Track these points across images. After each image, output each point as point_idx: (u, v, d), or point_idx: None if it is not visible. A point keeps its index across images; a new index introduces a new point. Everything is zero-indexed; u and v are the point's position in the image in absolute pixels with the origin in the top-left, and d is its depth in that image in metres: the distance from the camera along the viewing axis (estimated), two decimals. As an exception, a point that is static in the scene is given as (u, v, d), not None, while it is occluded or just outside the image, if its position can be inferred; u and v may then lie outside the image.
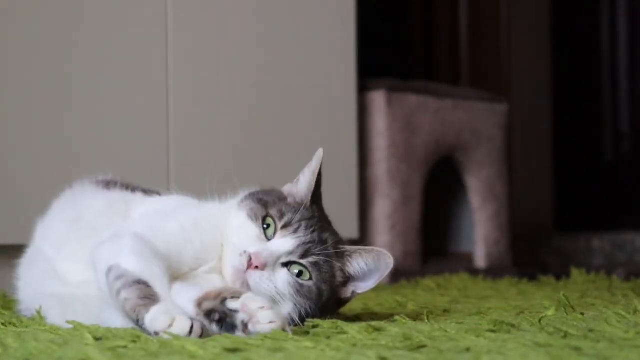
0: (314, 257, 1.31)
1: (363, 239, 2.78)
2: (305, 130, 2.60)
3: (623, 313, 1.46)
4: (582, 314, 1.51)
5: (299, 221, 1.34)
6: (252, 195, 1.39)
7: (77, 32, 2.20)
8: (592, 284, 2.45)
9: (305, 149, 2.62)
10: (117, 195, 1.49)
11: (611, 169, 3.97)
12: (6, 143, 2.10)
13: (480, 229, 3.07)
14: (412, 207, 2.84)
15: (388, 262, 1.35)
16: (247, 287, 1.29)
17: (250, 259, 1.29)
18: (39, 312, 1.42)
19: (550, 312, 1.45)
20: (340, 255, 1.35)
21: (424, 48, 3.76)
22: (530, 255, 3.56)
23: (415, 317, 1.50)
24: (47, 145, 2.14)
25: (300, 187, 1.40)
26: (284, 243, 1.31)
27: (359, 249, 1.36)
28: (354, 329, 1.25)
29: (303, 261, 1.31)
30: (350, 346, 1.12)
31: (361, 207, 2.75)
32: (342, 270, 1.35)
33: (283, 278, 1.30)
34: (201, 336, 1.17)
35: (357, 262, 1.36)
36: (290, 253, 1.31)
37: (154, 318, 1.17)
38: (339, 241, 1.37)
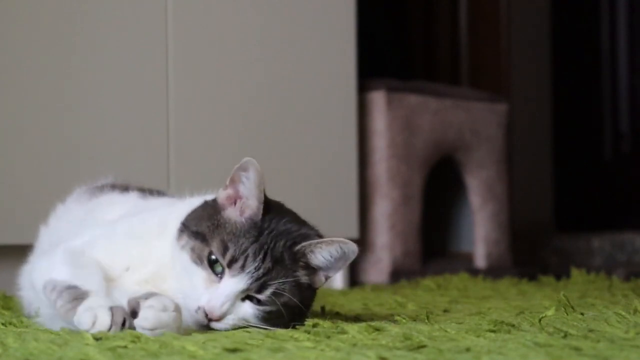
0: (271, 287, 1.27)
1: (363, 239, 2.78)
2: (305, 130, 2.60)
3: (623, 313, 1.46)
4: (582, 314, 1.51)
5: (245, 252, 1.27)
6: (186, 229, 1.31)
7: (77, 33, 2.20)
8: (592, 284, 2.45)
9: (305, 149, 2.63)
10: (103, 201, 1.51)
11: (611, 169, 3.97)
12: (6, 143, 2.10)
13: (480, 229, 3.07)
14: (412, 207, 2.84)
15: (353, 249, 1.31)
16: None
17: (206, 314, 1.26)
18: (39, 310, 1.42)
19: (550, 312, 1.45)
20: (301, 254, 1.30)
21: (424, 48, 3.76)
22: (530, 255, 3.56)
23: (415, 317, 1.50)
24: (47, 145, 2.14)
25: (250, 203, 1.32)
26: (236, 284, 1.26)
27: (320, 242, 1.31)
28: (354, 329, 1.25)
29: (261, 296, 1.27)
30: (350, 346, 1.12)
31: (361, 207, 2.75)
32: (306, 267, 1.31)
33: (248, 312, 1.28)
34: (124, 325, 1.18)
35: (322, 255, 1.30)
36: (246, 290, 1.27)
37: (79, 319, 1.19)
38: (297, 241, 1.31)
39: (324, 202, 2.62)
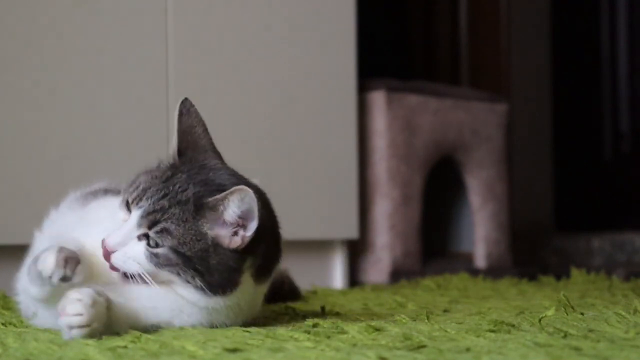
0: (160, 224, 1.26)
1: (363, 239, 2.78)
2: (305, 130, 2.60)
3: (623, 313, 1.46)
4: (582, 314, 1.52)
5: (144, 190, 1.29)
6: None
7: (77, 33, 2.20)
8: (592, 284, 2.46)
9: (304, 149, 2.63)
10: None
11: (611, 169, 3.97)
12: (6, 142, 2.10)
13: (480, 229, 3.07)
14: (412, 207, 2.84)
15: (252, 196, 1.26)
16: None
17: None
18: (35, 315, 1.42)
19: (550, 312, 1.45)
20: (211, 207, 1.28)
21: (424, 48, 3.76)
22: (530, 255, 3.56)
23: (415, 317, 1.50)
24: (47, 144, 2.14)
25: (172, 142, 1.36)
26: (132, 218, 1.28)
27: (227, 194, 1.27)
28: (354, 329, 1.25)
29: (151, 232, 1.27)
30: (350, 346, 1.12)
31: (361, 207, 2.75)
32: (216, 221, 1.28)
33: (136, 249, 1.27)
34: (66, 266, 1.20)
35: (231, 209, 1.27)
36: (140, 226, 1.27)
37: (39, 259, 1.22)
38: (209, 193, 1.29)
39: (324, 202, 2.62)
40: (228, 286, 1.29)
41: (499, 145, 3.13)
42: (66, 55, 2.18)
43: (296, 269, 2.08)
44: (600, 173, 3.99)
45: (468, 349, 1.08)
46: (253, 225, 1.28)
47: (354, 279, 2.77)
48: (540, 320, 1.38)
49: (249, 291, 1.33)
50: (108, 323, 1.21)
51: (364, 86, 2.81)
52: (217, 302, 1.29)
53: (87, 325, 1.17)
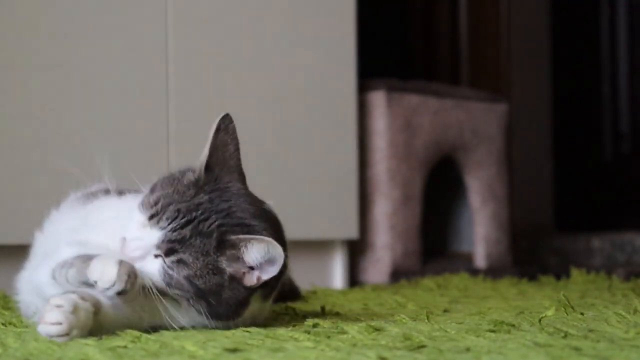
0: (178, 255, 1.25)
1: (363, 239, 2.78)
2: (305, 130, 2.60)
3: (623, 313, 1.46)
4: (582, 314, 1.52)
5: (163, 208, 1.27)
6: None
7: (78, 34, 2.20)
8: (592, 284, 2.46)
9: (305, 149, 2.63)
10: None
11: (611, 169, 3.97)
12: (6, 142, 2.10)
13: (480, 229, 3.07)
14: (412, 207, 2.84)
15: (279, 252, 1.25)
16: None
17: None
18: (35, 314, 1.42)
19: (550, 312, 1.45)
20: (232, 245, 1.26)
21: (424, 48, 3.76)
22: (530, 255, 3.56)
23: (415, 317, 1.50)
24: (47, 144, 2.14)
25: (201, 157, 1.34)
26: (152, 236, 1.26)
27: (252, 239, 1.26)
28: (354, 329, 1.25)
29: (167, 260, 1.25)
30: (350, 346, 1.12)
31: (361, 207, 2.75)
32: (235, 259, 1.26)
33: (152, 269, 1.26)
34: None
35: (253, 252, 1.26)
36: (159, 248, 1.26)
37: (93, 268, 1.20)
38: (231, 228, 1.28)
39: (324, 202, 2.62)
40: (232, 317, 1.29)
41: (498, 145, 3.13)
42: (66, 55, 2.18)
43: (296, 269, 2.07)
44: (600, 173, 3.99)
45: (468, 349, 1.08)
46: (273, 271, 1.27)
47: (354, 279, 2.77)
48: (540, 320, 1.38)
49: (253, 311, 1.33)
50: (97, 327, 1.20)
51: (364, 86, 2.81)
52: (217, 324, 1.30)
53: (66, 334, 1.15)
